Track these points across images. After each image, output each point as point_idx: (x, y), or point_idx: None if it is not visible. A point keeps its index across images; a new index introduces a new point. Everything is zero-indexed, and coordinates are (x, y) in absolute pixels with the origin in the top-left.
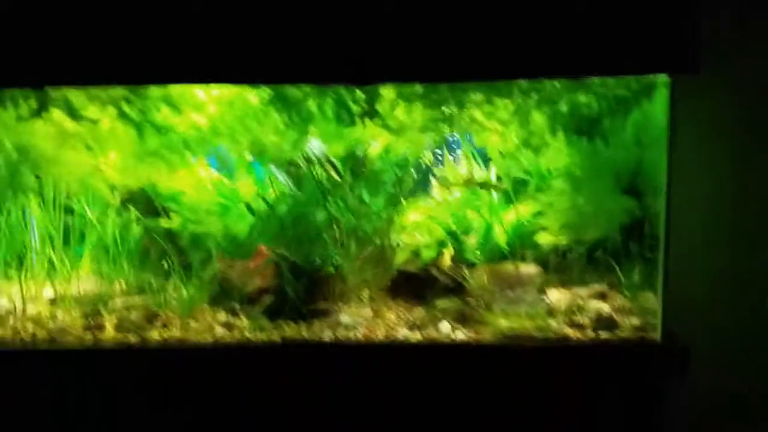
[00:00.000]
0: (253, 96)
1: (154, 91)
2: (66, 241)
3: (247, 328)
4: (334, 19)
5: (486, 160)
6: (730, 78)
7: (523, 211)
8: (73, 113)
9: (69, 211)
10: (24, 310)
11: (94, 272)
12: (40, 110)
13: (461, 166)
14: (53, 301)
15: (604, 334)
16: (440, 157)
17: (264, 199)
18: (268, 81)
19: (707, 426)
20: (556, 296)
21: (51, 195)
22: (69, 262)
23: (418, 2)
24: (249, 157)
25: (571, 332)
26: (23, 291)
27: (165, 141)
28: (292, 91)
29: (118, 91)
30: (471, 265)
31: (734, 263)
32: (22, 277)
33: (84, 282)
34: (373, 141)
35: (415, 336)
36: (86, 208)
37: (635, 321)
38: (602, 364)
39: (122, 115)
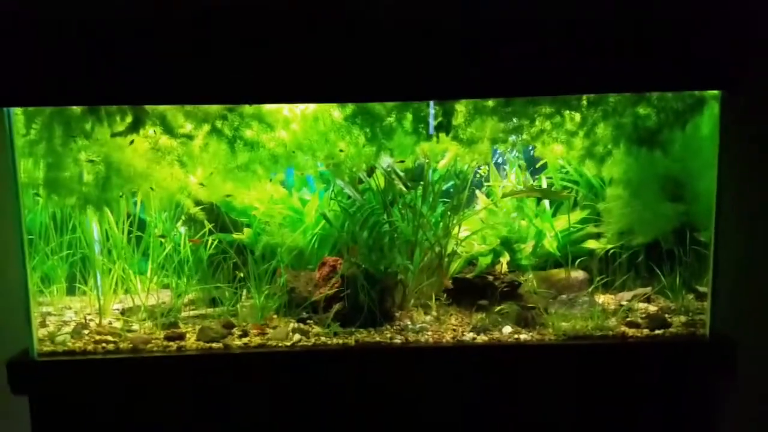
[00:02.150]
0: (337, 111)
1: (248, 109)
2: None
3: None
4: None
5: (537, 171)
6: None
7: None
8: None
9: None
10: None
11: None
12: (136, 126)
13: (514, 177)
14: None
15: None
16: (502, 171)
17: (324, 216)
18: (353, 99)
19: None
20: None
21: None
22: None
23: (492, 26)
24: (322, 168)
25: (627, 330)
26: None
27: (253, 156)
28: (374, 106)
29: (213, 108)
30: (524, 271)
31: None
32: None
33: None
34: (443, 154)
35: (481, 338)
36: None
37: (683, 318)
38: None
39: (214, 132)
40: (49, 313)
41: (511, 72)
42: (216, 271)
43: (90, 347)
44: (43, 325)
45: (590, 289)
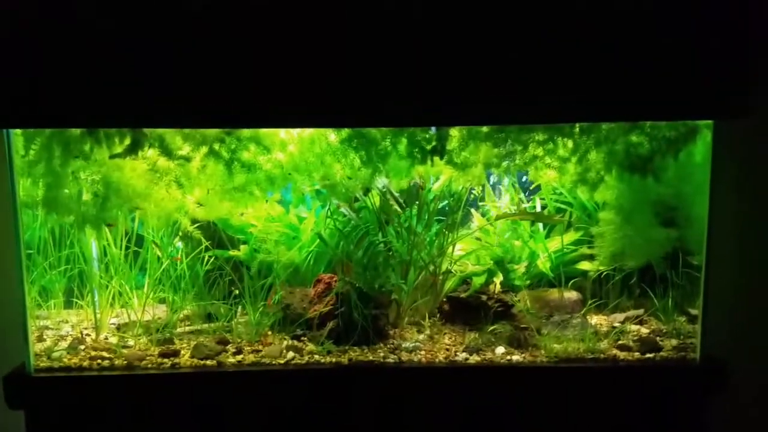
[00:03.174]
0: (333, 135)
1: (245, 132)
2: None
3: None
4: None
5: (530, 193)
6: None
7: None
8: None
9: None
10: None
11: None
12: (135, 148)
13: (506, 200)
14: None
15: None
16: (497, 191)
17: (320, 236)
18: (350, 124)
19: None
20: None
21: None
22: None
23: (490, 53)
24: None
25: (619, 353)
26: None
27: (250, 178)
28: (370, 131)
29: (211, 131)
30: (517, 291)
31: None
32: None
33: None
34: (437, 177)
35: (474, 359)
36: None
37: (675, 342)
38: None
39: (212, 153)
40: (47, 327)
41: (506, 102)
42: (212, 287)
43: (86, 363)
44: (40, 339)
45: (583, 311)
